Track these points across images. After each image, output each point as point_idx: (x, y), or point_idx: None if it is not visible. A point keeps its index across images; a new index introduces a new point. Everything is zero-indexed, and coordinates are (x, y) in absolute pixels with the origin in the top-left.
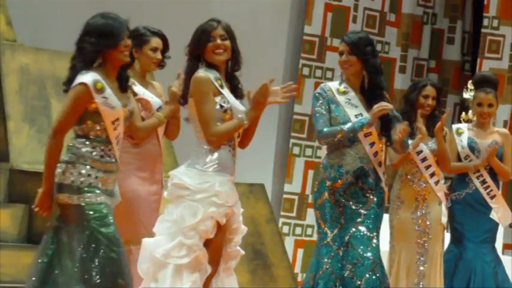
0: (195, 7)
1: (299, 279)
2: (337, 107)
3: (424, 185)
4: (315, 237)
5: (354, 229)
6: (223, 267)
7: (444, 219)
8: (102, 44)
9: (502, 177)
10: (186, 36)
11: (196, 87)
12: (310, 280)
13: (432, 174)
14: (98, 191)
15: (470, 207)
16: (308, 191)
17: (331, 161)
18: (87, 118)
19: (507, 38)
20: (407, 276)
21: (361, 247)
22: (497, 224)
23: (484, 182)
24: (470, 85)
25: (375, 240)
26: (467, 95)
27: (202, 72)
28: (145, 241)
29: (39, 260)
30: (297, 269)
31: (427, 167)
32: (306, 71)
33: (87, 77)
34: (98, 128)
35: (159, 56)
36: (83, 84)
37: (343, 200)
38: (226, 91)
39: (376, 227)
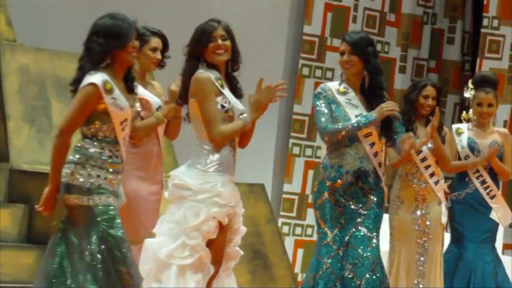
0: (195, 7)
1: (299, 279)
2: (338, 107)
3: (424, 185)
4: (315, 237)
5: (353, 229)
6: (223, 267)
7: (444, 219)
8: (111, 45)
9: (502, 177)
10: (186, 36)
11: (198, 87)
12: (310, 280)
13: (432, 174)
14: (107, 193)
15: (470, 207)
16: (308, 191)
17: (331, 161)
18: (95, 119)
19: (507, 38)
20: (407, 276)
21: (361, 247)
22: (497, 224)
23: (483, 182)
24: (470, 84)
25: (374, 240)
26: (468, 93)
27: (203, 72)
28: (148, 242)
29: (48, 261)
30: (297, 269)
31: (427, 167)
32: (305, 71)
33: (97, 78)
34: (106, 128)
35: (158, 56)
36: (92, 84)
37: (343, 200)
38: (226, 91)
39: (376, 227)
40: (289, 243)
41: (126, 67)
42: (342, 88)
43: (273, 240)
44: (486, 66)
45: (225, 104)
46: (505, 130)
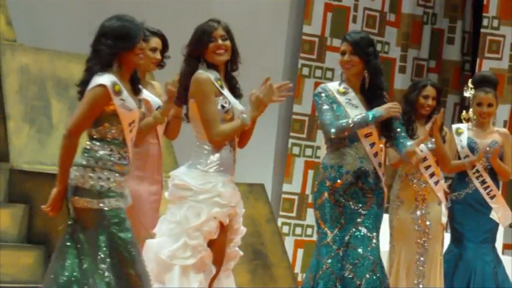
0: (195, 7)
1: (299, 279)
2: (339, 107)
3: (424, 185)
4: (315, 238)
5: (353, 229)
6: (223, 267)
7: (444, 219)
8: (119, 47)
9: (502, 177)
10: (186, 36)
11: (197, 87)
12: (310, 280)
13: (432, 174)
14: (116, 196)
15: (470, 207)
16: (308, 191)
17: (331, 161)
18: (104, 120)
19: (507, 38)
20: (407, 276)
21: (361, 247)
22: (497, 224)
23: (483, 182)
24: (470, 84)
25: (374, 240)
26: (468, 93)
27: (202, 73)
28: (149, 242)
29: (57, 264)
30: (297, 269)
31: (427, 167)
32: (305, 71)
33: (105, 79)
34: (115, 130)
35: (158, 56)
36: (101, 86)
37: (343, 200)
38: (226, 91)
39: (376, 227)
40: (289, 243)
41: (133, 69)
42: (341, 88)
43: (273, 240)
44: (486, 66)
45: (225, 105)
46: (505, 130)
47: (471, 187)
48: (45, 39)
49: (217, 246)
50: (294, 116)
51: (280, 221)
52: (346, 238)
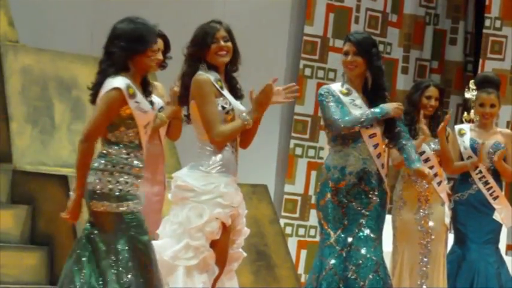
0: (197, 7)
1: (302, 280)
2: (343, 107)
3: (427, 185)
4: (318, 238)
5: (357, 230)
6: (226, 269)
7: (447, 220)
8: (132, 49)
9: (506, 178)
10: (188, 36)
11: (197, 88)
12: (314, 281)
13: (435, 175)
14: (134, 199)
15: (473, 208)
16: (311, 191)
17: (334, 162)
18: (120, 124)
19: (509, 39)
20: (410, 277)
21: (364, 248)
22: (500, 225)
23: (486, 183)
24: (471, 85)
25: (377, 241)
26: (469, 94)
27: (202, 74)
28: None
29: (75, 269)
30: (300, 269)
31: (430, 168)
32: (307, 71)
33: (119, 82)
34: (131, 133)
35: (160, 56)
36: (116, 89)
37: (346, 201)
38: (226, 92)
39: (379, 228)
40: (292, 244)
41: (145, 71)
42: (344, 89)
43: (276, 241)
44: (488, 66)
45: (225, 105)
46: (508, 131)
47: (474, 188)
48: (47, 40)
49: (220, 247)
50: (296, 117)
51: (283, 221)
52: (349, 239)
